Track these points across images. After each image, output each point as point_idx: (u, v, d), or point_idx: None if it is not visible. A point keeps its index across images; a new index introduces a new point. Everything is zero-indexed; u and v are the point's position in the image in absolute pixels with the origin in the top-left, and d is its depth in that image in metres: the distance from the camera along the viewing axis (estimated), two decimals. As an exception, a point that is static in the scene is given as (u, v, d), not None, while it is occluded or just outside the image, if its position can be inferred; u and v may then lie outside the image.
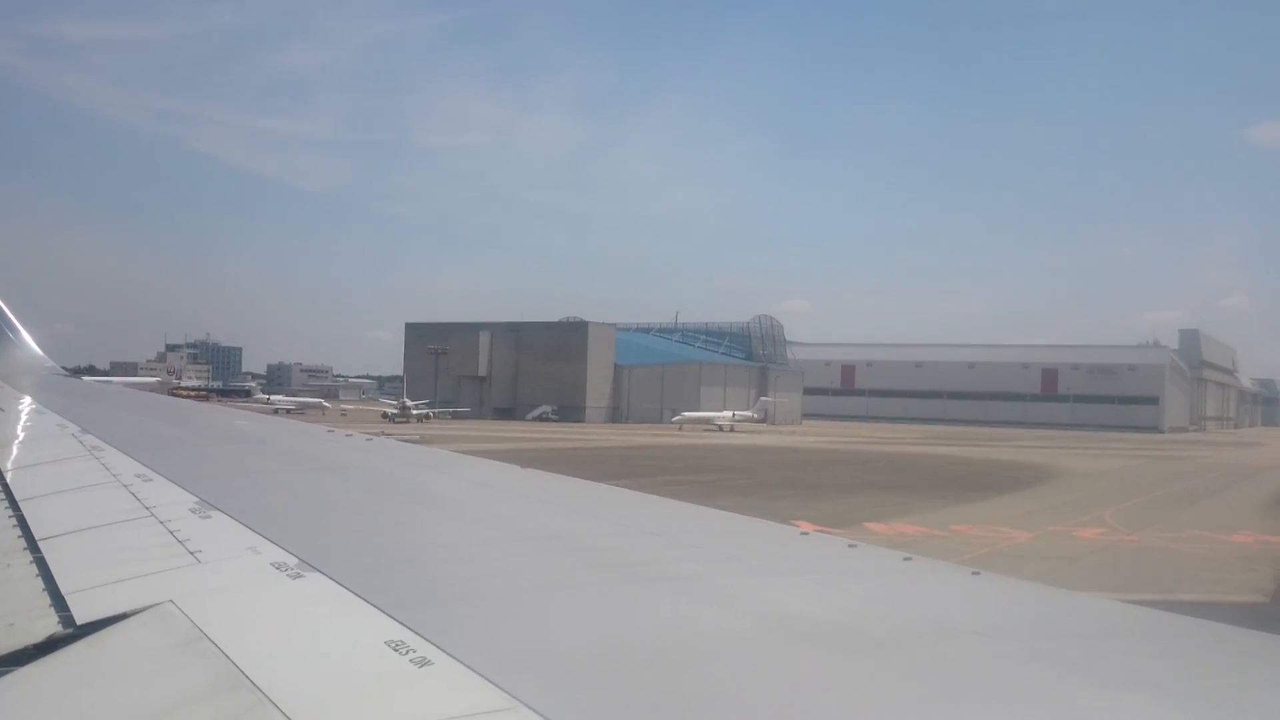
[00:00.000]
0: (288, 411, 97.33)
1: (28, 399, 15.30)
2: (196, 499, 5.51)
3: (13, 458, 8.48)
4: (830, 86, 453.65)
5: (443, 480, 7.22)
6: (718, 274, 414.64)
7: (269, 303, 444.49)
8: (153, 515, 5.19)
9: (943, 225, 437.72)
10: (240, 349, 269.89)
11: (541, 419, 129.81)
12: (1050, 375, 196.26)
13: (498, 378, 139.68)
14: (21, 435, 11.06)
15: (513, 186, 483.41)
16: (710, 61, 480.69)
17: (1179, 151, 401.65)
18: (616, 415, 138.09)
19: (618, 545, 4.61)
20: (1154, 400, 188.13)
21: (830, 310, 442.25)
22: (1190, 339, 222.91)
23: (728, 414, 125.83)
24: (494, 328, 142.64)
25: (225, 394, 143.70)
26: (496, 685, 2.46)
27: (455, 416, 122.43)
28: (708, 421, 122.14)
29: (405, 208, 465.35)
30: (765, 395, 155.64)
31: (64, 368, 27.59)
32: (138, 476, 6.52)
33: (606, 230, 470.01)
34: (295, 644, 3.12)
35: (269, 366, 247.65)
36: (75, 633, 3.33)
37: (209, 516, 5.07)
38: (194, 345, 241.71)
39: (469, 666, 2.60)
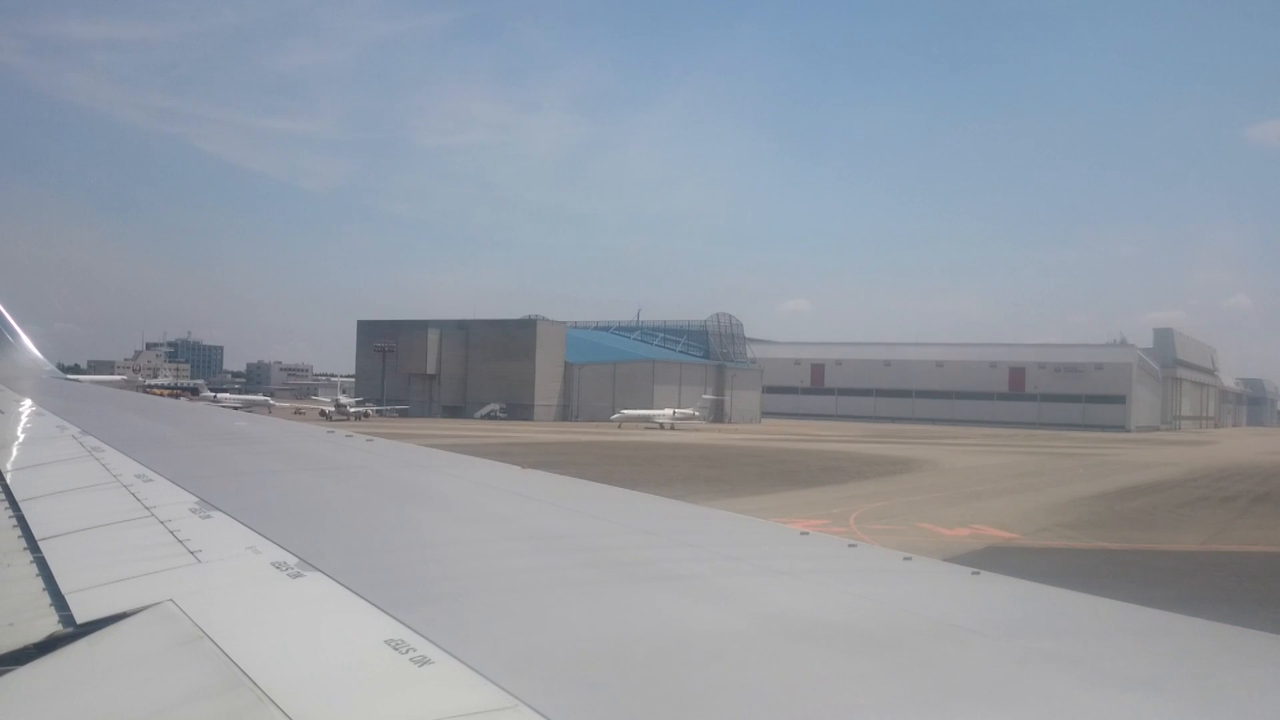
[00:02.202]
0: (234, 409, 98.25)
1: (28, 401, 15.33)
2: (196, 499, 5.54)
3: (13, 459, 8.55)
4: (826, 87, 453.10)
5: (442, 480, 7.27)
6: (715, 273, 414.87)
7: (266, 303, 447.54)
8: (153, 515, 5.21)
9: (942, 225, 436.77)
10: (221, 348, 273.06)
11: (490, 417, 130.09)
12: (1018, 374, 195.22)
13: (447, 375, 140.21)
14: (22, 437, 11.14)
15: (512, 186, 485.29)
16: (709, 62, 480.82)
17: (1178, 151, 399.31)
18: (567, 414, 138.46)
19: (617, 544, 4.66)
20: (1121, 399, 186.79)
21: (830, 310, 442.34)
22: (1165, 338, 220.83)
23: (668, 412, 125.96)
24: (443, 325, 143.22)
25: (183, 392, 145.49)
26: (496, 684, 2.47)
27: (402, 415, 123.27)
28: (648, 419, 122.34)
29: (403, 206, 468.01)
30: (723, 393, 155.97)
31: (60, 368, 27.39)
32: (138, 477, 6.55)
33: (604, 230, 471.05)
34: (295, 643, 3.15)
35: (248, 365, 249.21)
36: (75, 632, 3.35)
37: (209, 516, 5.09)
38: (172, 344, 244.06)
39: (469, 665, 2.63)
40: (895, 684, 2.65)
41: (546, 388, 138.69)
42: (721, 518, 5.74)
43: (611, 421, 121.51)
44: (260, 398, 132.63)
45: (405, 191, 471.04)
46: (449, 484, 7.04)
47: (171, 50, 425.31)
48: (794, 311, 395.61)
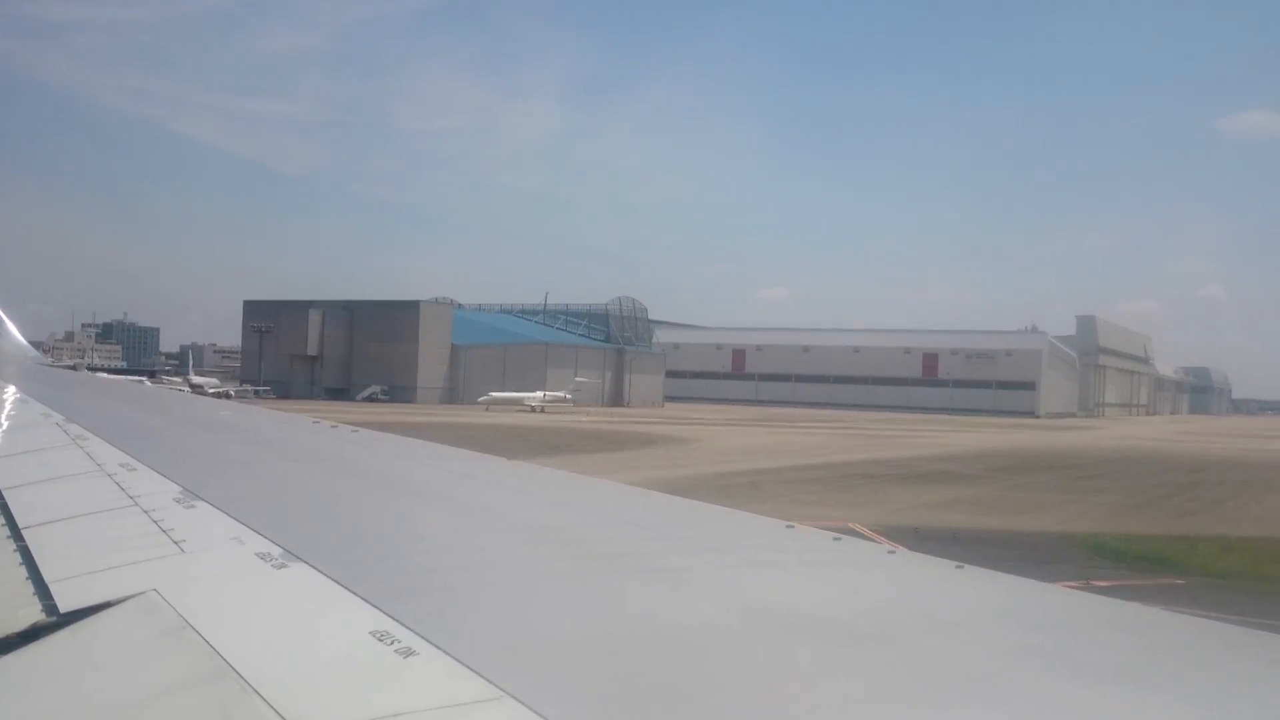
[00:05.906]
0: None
1: (11, 388, 15.23)
2: (181, 489, 5.50)
3: None
4: (815, 76, 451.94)
5: (428, 471, 7.28)
6: (696, 261, 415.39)
7: (225, 287, 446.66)
8: (137, 505, 5.20)
9: (921, 216, 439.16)
10: (158, 329, 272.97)
11: (371, 400, 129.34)
12: (931, 360, 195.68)
13: (330, 357, 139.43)
14: (5, 424, 11.14)
15: (493, 172, 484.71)
16: (694, 50, 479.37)
17: (1150, 144, 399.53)
18: (454, 396, 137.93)
19: (604, 537, 4.67)
20: (1030, 385, 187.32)
21: (808, 298, 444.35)
22: (1087, 325, 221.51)
23: (538, 394, 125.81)
24: (327, 306, 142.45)
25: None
26: (482, 675, 2.46)
27: (278, 396, 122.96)
28: (518, 402, 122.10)
29: (380, 190, 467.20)
30: (623, 377, 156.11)
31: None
32: (122, 466, 6.53)
33: (585, 216, 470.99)
34: (279, 634, 3.13)
35: (181, 346, 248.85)
36: (59, 621, 3.34)
37: (193, 506, 5.06)
38: (104, 325, 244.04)
39: (454, 657, 2.61)
40: (880, 677, 2.64)
41: (431, 370, 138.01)
42: (709, 510, 5.78)
43: (479, 404, 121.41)
44: (137, 379, 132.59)
45: (382, 176, 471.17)
46: (435, 475, 7.07)
47: (150, 32, 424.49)
48: (772, 300, 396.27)
